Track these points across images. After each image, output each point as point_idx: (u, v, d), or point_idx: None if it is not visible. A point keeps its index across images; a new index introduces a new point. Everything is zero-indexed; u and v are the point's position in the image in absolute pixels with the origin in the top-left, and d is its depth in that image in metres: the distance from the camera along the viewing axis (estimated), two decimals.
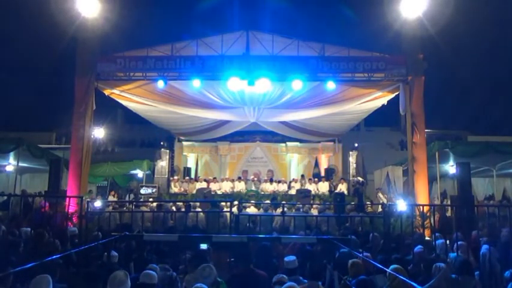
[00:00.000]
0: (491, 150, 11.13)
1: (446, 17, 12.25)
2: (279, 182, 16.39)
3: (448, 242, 6.53)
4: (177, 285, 4.77)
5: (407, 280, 3.21)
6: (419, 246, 5.91)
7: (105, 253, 5.40)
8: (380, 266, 4.12)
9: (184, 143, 18.87)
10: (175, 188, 16.01)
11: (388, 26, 11.38)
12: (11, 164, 13.32)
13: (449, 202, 12.63)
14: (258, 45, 11.76)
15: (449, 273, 4.26)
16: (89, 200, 9.69)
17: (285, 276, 4.20)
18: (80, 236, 7.30)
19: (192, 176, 17.70)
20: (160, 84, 11.60)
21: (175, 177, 16.86)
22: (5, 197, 11.59)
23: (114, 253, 5.45)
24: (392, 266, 4.17)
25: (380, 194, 14.01)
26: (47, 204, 9.04)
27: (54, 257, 4.47)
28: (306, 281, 4.47)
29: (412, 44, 11.36)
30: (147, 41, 13.16)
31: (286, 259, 4.77)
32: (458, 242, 5.84)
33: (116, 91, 12.24)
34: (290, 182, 16.28)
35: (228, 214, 10.14)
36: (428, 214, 8.46)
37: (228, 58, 11.55)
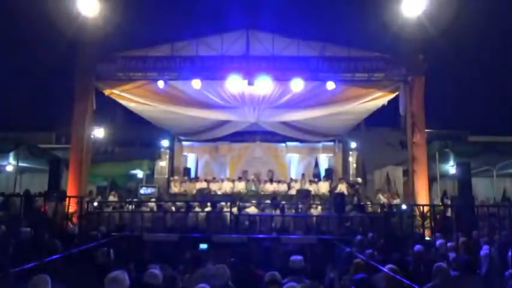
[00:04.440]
0: (491, 150, 11.14)
1: (447, 17, 12.23)
2: (279, 182, 16.37)
3: (448, 242, 6.52)
4: (177, 285, 4.77)
5: (403, 279, 3.22)
6: (419, 246, 5.91)
7: (105, 253, 5.41)
8: (377, 265, 4.12)
9: (184, 143, 18.84)
10: (175, 188, 15.98)
11: (388, 26, 11.37)
12: (11, 164, 13.32)
13: (449, 202, 12.63)
14: (258, 44, 11.76)
15: (451, 274, 4.26)
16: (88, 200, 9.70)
17: (276, 273, 4.14)
18: (80, 236, 7.30)
19: (192, 176, 17.68)
20: (160, 84, 11.59)
21: (175, 177, 16.85)
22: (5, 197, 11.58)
23: (111, 252, 5.45)
24: (387, 266, 4.15)
25: (380, 195, 14.00)
26: (46, 204, 9.03)
27: (54, 257, 4.47)
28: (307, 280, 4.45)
29: (412, 44, 11.35)
30: (147, 41, 13.12)
31: (292, 258, 4.71)
32: (459, 242, 5.85)
33: (116, 91, 12.24)
34: (290, 182, 16.27)
35: (228, 214, 10.15)
36: (428, 214, 8.46)
37: (228, 58, 11.55)
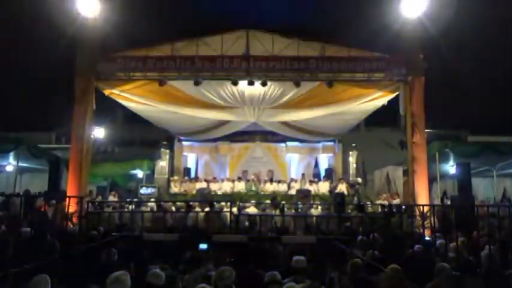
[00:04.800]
0: (491, 150, 11.14)
1: (447, 17, 12.26)
2: (279, 182, 16.38)
3: (447, 242, 6.52)
4: (177, 285, 4.77)
5: (403, 280, 3.22)
6: (419, 246, 5.91)
7: (108, 253, 5.40)
8: (377, 265, 4.12)
9: (184, 143, 18.85)
10: (175, 188, 15.99)
11: (388, 26, 11.37)
12: (11, 164, 13.32)
13: (449, 202, 12.63)
14: (258, 45, 11.77)
15: (452, 274, 4.26)
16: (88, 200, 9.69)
17: (276, 273, 4.15)
18: (80, 236, 7.29)
19: (192, 176, 17.69)
20: (161, 84, 11.59)
21: (175, 177, 16.85)
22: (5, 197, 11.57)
23: (114, 252, 5.44)
24: (390, 266, 4.16)
25: (380, 197, 13.98)
26: (46, 204, 9.04)
27: (54, 257, 4.47)
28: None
29: (412, 44, 11.35)
30: (147, 41, 13.12)
31: (295, 258, 4.73)
32: (458, 242, 5.85)
33: (115, 91, 12.24)
34: (290, 182, 16.27)
35: (228, 214, 10.15)
36: (428, 214, 8.46)
37: (228, 58, 11.55)
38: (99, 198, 13.73)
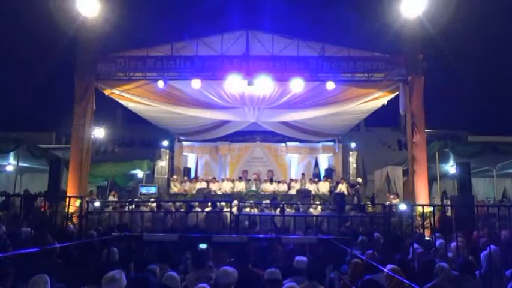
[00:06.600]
0: (491, 150, 11.13)
1: (447, 17, 12.25)
2: (279, 182, 16.39)
3: (447, 242, 6.52)
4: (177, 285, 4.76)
5: (404, 280, 3.21)
6: (419, 246, 5.90)
7: (105, 252, 5.39)
8: (379, 266, 4.12)
9: (184, 143, 18.87)
10: (175, 188, 16.00)
11: (388, 26, 11.37)
12: (11, 164, 13.32)
13: (449, 202, 12.63)
14: (258, 45, 11.77)
15: (452, 274, 4.26)
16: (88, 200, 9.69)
17: (274, 270, 4.11)
18: (80, 236, 7.29)
19: (192, 176, 17.70)
20: (160, 84, 11.59)
21: (175, 177, 16.87)
22: (4, 197, 11.57)
23: (115, 251, 5.44)
24: (389, 266, 4.15)
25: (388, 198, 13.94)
26: (46, 204, 9.05)
27: (54, 256, 4.46)
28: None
29: (412, 44, 11.35)
30: (147, 41, 13.14)
31: (297, 259, 4.72)
32: (458, 242, 5.84)
33: (116, 91, 12.25)
34: (290, 182, 16.28)
35: (228, 214, 10.15)
36: (428, 214, 8.46)
37: (227, 58, 11.55)
38: (100, 198, 13.73)
